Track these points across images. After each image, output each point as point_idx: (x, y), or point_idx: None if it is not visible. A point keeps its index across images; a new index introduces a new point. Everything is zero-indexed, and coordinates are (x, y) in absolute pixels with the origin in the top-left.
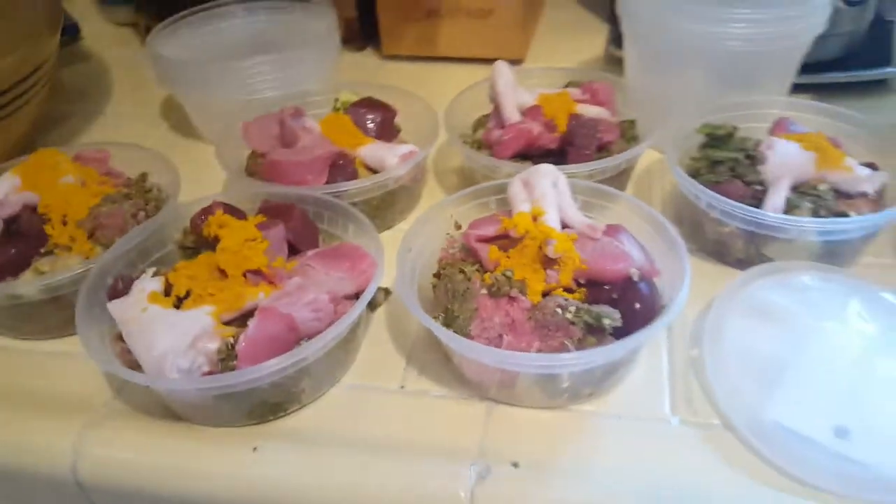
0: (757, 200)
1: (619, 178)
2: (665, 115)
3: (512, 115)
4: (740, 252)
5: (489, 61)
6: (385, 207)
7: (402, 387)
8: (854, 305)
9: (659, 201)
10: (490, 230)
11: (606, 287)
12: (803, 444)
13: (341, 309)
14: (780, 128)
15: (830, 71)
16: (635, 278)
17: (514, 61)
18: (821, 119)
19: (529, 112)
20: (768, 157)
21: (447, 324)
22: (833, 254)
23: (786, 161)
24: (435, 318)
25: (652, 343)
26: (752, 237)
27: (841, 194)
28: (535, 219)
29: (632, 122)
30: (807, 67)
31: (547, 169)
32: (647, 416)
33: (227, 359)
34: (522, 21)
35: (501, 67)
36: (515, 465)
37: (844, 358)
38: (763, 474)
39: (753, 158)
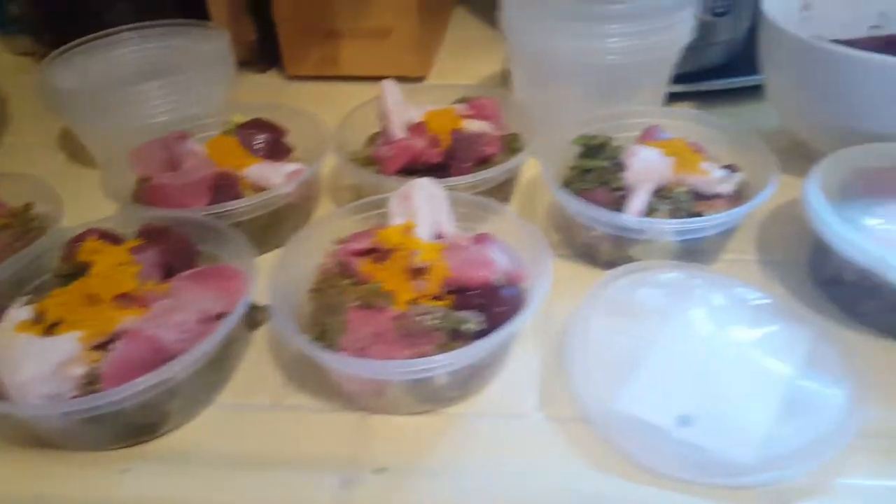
0: (620, 205)
1: (502, 189)
2: (548, 127)
3: (398, 131)
4: (608, 255)
5: (396, 79)
6: (274, 226)
7: (280, 403)
8: (708, 300)
9: (543, 210)
10: (363, 244)
11: (472, 293)
12: (649, 432)
13: (211, 329)
14: (648, 135)
15: (710, 79)
16: (497, 283)
17: (416, 79)
18: (690, 125)
19: (414, 128)
20: (631, 164)
21: (320, 338)
22: (693, 252)
23: (646, 167)
24: (310, 333)
25: (524, 343)
26: (617, 240)
27: (699, 196)
28: (407, 231)
29: (515, 136)
30: (689, 76)
31: (422, 183)
32: (514, 413)
33: (92, 383)
34: (421, 40)
35: (388, 86)
36: (381, 470)
37: (695, 349)
38: (615, 464)
39: (620, 166)
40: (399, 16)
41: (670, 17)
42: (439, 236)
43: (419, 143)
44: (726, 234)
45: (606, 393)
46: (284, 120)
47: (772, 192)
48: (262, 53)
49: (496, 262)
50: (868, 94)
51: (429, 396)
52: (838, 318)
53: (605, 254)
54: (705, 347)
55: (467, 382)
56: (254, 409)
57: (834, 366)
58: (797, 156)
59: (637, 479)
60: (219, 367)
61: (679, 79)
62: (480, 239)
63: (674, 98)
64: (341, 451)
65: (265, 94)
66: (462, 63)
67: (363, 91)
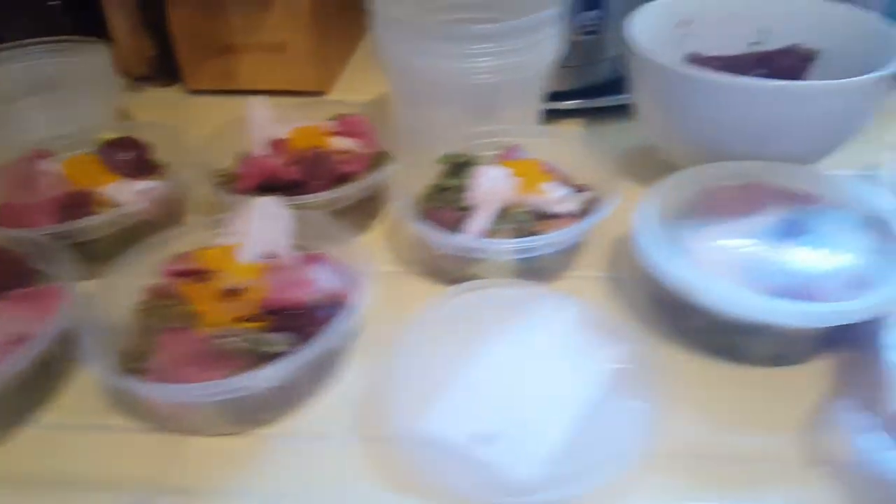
0: (464, 224)
1: (367, 207)
2: (423, 146)
3: (258, 149)
4: (453, 273)
5: (291, 93)
6: (130, 243)
7: (100, 423)
8: (536, 317)
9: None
10: (185, 264)
11: (286, 314)
12: (447, 452)
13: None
14: (507, 155)
15: (598, 96)
16: (313, 304)
17: (315, 93)
18: (556, 144)
19: (276, 145)
20: (477, 184)
21: (139, 359)
22: (536, 269)
23: (490, 187)
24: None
25: (357, 361)
26: (461, 258)
27: (542, 215)
28: (228, 252)
29: (383, 154)
30: (579, 93)
31: (262, 202)
32: (328, 434)
33: None
34: (318, 55)
35: (253, 104)
36: (182, 491)
37: (511, 367)
38: (415, 485)
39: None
40: (293, 31)
41: (534, 36)
42: (272, 256)
43: (275, 161)
44: (569, 252)
45: (416, 412)
46: (154, 136)
47: (607, 214)
48: (163, 68)
49: (317, 283)
50: (719, 115)
51: (241, 417)
52: (666, 335)
53: (449, 272)
54: (522, 364)
55: (281, 403)
56: (74, 430)
57: (644, 383)
58: (668, 173)
59: (435, 501)
60: (33, 388)
61: (569, 95)
62: (310, 259)
63: (563, 115)
64: (147, 471)
65: (165, 108)
66: (369, 78)
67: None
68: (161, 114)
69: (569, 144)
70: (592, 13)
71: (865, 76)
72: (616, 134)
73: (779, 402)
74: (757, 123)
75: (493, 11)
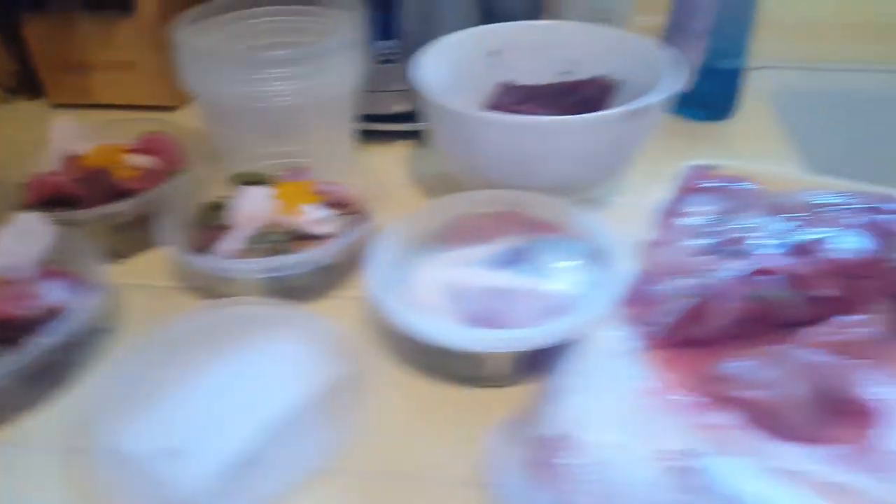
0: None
1: (144, 224)
2: (227, 165)
3: (52, 165)
4: (215, 291)
5: (150, 108)
6: None
7: None
8: (268, 336)
9: None
10: None
11: (3, 326)
12: (128, 466)
13: None
14: (292, 176)
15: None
16: (29, 318)
17: (167, 108)
18: (361, 166)
19: (70, 162)
20: (238, 204)
21: None
22: (294, 289)
23: (251, 208)
24: None
25: (97, 374)
26: (215, 277)
27: (303, 236)
28: None
29: (177, 173)
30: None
31: (23, 218)
32: (35, 444)
33: None
34: (167, 73)
35: (57, 122)
36: None
37: (222, 384)
38: (93, 499)
39: None
40: (139, 50)
41: (329, 62)
42: (8, 270)
43: (61, 177)
44: (331, 272)
45: (115, 426)
46: None
47: (356, 237)
48: (27, 82)
49: (42, 298)
50: (487, 148)
51: None
52: (392, 354)
53: (210, 290)
54: (235, 381)
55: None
56: None
57: (350, 402)
58: None
59: None
60: None
61: (398, 118)
62: (46, 274)
63: (397, 137)
64: None
65: (25, 121)
66: None
67: (123, 118)
68: (21, 127)
69: (373, 166)
70: (388, 42)
71: (613, 110)
72: (434, 157)
73: (469, 423)
74: (522, 155)
75: (295, 37)
